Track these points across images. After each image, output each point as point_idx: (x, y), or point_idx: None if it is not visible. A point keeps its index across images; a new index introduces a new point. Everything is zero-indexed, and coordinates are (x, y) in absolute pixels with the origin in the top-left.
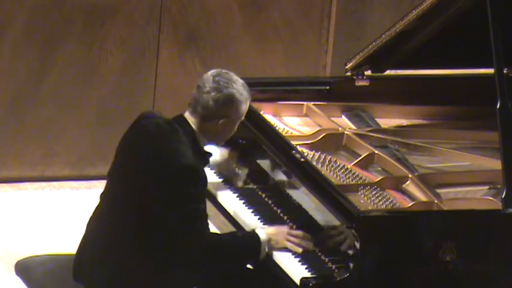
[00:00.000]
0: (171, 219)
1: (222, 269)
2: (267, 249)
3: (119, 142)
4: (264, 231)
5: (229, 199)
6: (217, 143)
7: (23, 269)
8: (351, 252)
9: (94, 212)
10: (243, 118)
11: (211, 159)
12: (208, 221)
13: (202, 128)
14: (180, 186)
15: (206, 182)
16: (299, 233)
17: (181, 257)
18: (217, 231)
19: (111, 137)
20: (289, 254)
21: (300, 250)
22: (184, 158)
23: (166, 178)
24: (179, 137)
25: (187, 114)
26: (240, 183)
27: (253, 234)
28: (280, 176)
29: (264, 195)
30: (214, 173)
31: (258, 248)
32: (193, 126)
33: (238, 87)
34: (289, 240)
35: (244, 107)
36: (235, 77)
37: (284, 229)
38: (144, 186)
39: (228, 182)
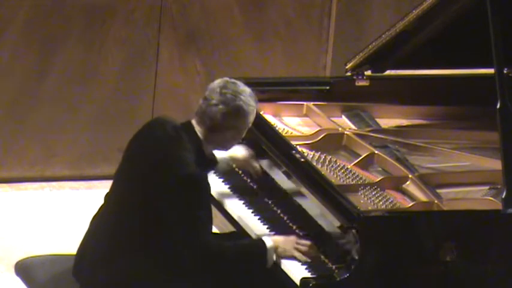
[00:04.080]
0: (174, 225)
1: (226, 273)
2: (274, 258)
3: (128, 143)
4: (270, 239)
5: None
6: (222, 148)
7: (23, 269)
8: (351, 252)
9: (97, 212)
10: (250, 125)
11: (228, 156)
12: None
13: (208, 137)
14: (182, 194)
15: (209, 189)
16: (307, 242)
17: (183, 262)
18: (217, 231)
19: (111, 137)
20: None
21: (307, 260)
22: (187, 165)
23: (169, 185)
24: (184, 145)
25: (194, 122)
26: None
27: (259, 242)
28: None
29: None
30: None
31: (264, 255)
32: (199, 134)
33: (246, 98)
34: (297, 249)
35: (252, 117)
36: (242, 87)
37: (292, 238)
38: (148, 191)
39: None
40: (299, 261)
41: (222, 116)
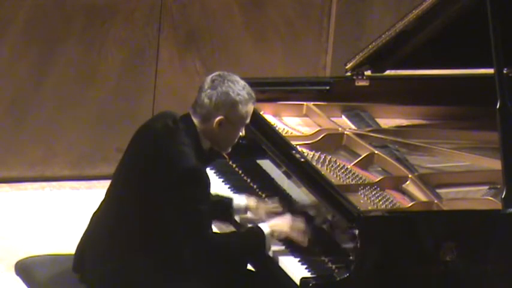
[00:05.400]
0: (174, 219)
1: (227, 267)
2: (271, 242)
3: (131, 138)
4: (267, 225)
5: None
6: (220, 147)
7: (23, 269)
8: (350, 252)
9: (98, 208)
10: (246, 122)
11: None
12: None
13: (203, 129)
14: (181, 188)
15: (209, 183)
16: (302, 220)
17: (183, 257)
18: (217, 231)
19: (111, 137)
20: (290, 254)
21: (303, 241)
22: (186, 160)
23: (168, 180)
24: (182, 139)
25: (191, 114)
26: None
27: (257, 229)
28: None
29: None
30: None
31: (263, 242)
32: (196, 127)
33: (235, 87)
34: (292, 229)
35: (243, 109)
36: (236, 79)
37: (287, 217)
38: (147, 186)
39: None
40: (293, 253)
41: (209, 100)
